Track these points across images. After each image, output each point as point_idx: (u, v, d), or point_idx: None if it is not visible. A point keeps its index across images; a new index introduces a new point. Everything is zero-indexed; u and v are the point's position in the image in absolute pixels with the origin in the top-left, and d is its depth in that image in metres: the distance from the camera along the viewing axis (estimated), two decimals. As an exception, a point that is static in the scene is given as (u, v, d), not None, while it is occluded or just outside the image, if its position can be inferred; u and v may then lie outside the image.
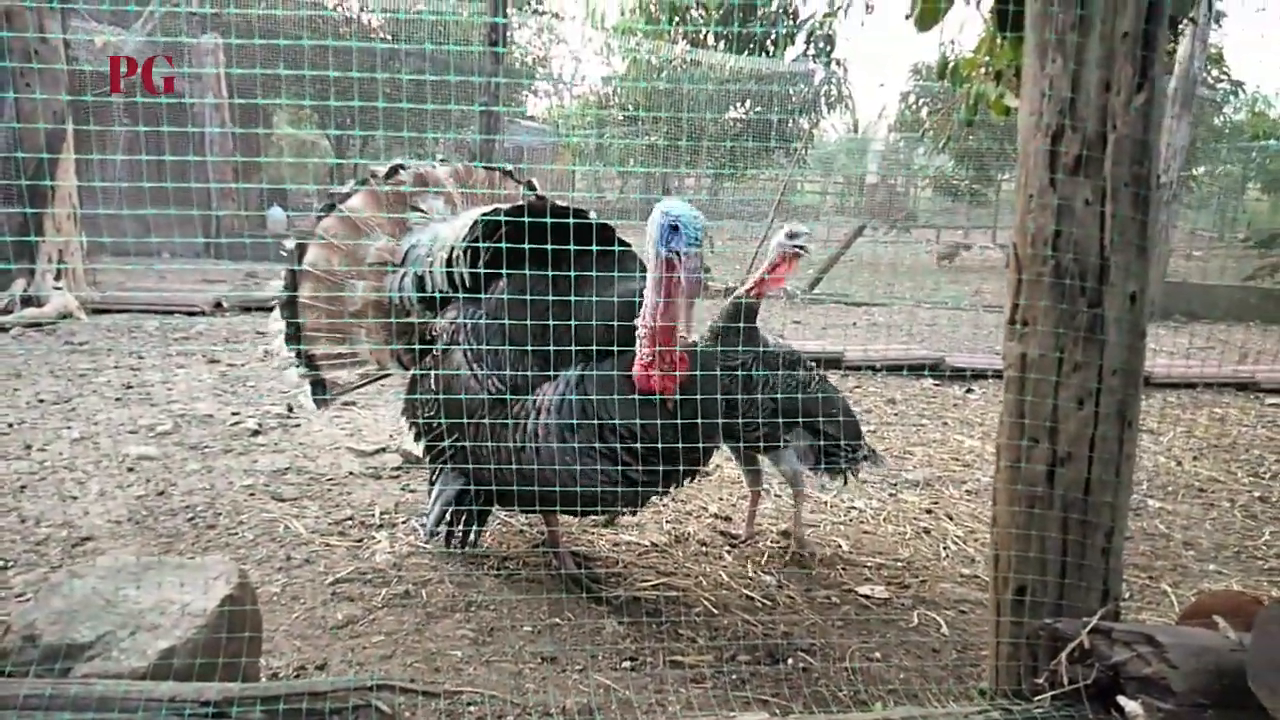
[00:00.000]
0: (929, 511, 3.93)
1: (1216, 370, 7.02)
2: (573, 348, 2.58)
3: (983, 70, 4.28)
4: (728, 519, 3.73)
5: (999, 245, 18.36)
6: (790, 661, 2.58)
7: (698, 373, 2.55)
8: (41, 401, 5.00)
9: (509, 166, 3.55)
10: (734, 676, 2.48)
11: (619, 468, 2.54)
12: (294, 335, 3.15)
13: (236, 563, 2.35)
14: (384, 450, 4.40)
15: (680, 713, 2.23)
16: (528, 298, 2.61)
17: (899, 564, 3.37)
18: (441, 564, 3.13)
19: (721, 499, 3.96)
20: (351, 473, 4.09)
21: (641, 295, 2.50)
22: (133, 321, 7.70)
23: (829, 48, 15.73)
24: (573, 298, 2.59)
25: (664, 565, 3.24)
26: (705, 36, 14.80)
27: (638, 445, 2.50)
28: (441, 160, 3.44)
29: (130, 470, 3.95)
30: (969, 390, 6.50)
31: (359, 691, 1.94)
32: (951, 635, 2.82)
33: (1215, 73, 17.64)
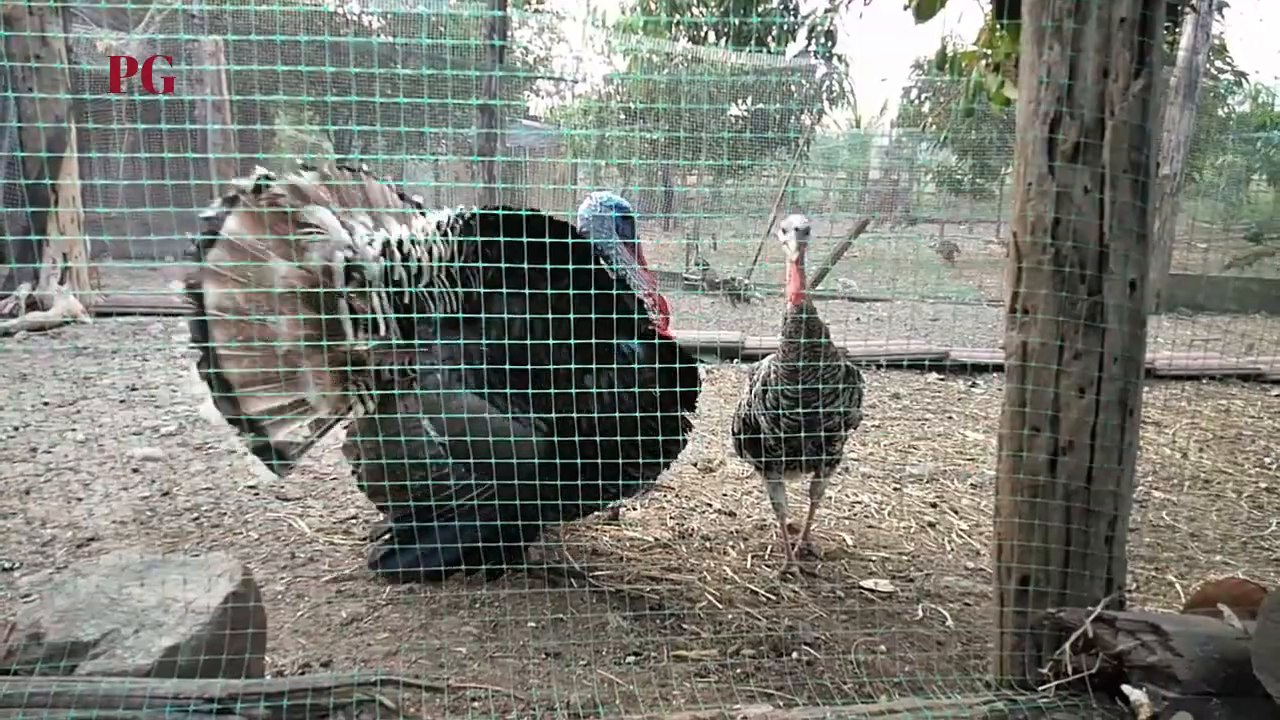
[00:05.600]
0: (934, 505, 3.92)
1: (1222, 362, 6.99)
2: (594, 341, 2.64)
3: (983, 62, 4.26)
4: (731, 514, 3.73)
5: (1001, 240, 18.27)
6: (795, 655, 2.58)
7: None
8: (46, 404, 5.02)
9: (365, 165, 3.25)
10: (738, 670, 2.48)
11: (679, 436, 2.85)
12: (224, 394, 2.72)
13: (240, 560, 2.35)
14: (388, 448, 4.40)
15: (684, 706, 2.23)
16: (527, 316, 2.70)
17: (903, 558, 3.36)
18: (445, 561, 3.13)
19: (725, 495, 3.96)
20: (355, 471, 4.09)
21: (620, 285, 2.80)
22: (137, 323, 7.73)
23: (830, 43, 15.68)
24: (573, 315, 2.62)
25: (668, 560, 3.24)
26: (706, 33, 14.78)
27: (696, 390, 2.82)
28: (305, 168, 3.00)
29: (135, 471, 3.96)
30: (973, 384, 6.48)
31: (363, 687, 1.95)
32: (957, 628, 2.81)
33: (1219, 63, 17.53)
